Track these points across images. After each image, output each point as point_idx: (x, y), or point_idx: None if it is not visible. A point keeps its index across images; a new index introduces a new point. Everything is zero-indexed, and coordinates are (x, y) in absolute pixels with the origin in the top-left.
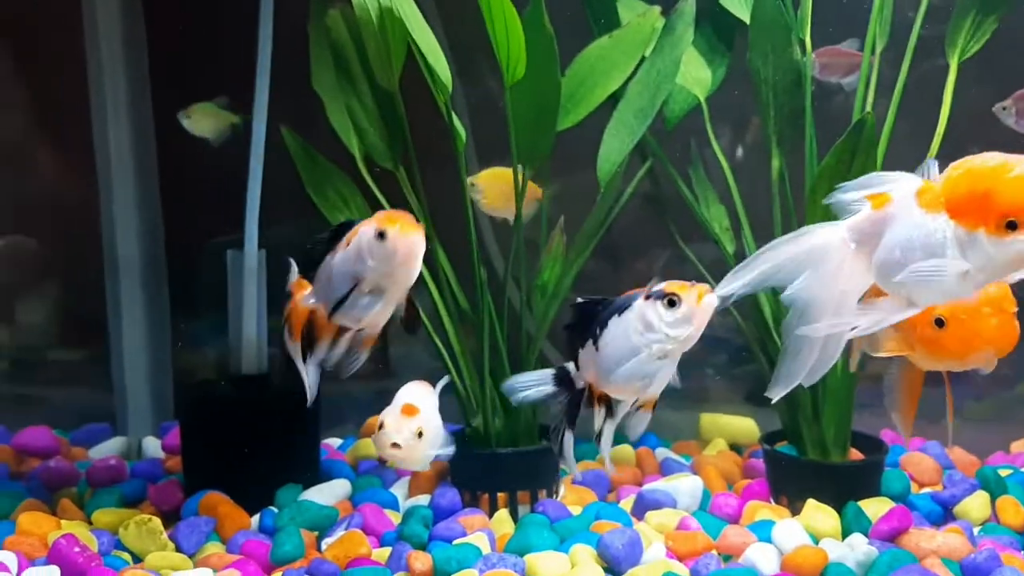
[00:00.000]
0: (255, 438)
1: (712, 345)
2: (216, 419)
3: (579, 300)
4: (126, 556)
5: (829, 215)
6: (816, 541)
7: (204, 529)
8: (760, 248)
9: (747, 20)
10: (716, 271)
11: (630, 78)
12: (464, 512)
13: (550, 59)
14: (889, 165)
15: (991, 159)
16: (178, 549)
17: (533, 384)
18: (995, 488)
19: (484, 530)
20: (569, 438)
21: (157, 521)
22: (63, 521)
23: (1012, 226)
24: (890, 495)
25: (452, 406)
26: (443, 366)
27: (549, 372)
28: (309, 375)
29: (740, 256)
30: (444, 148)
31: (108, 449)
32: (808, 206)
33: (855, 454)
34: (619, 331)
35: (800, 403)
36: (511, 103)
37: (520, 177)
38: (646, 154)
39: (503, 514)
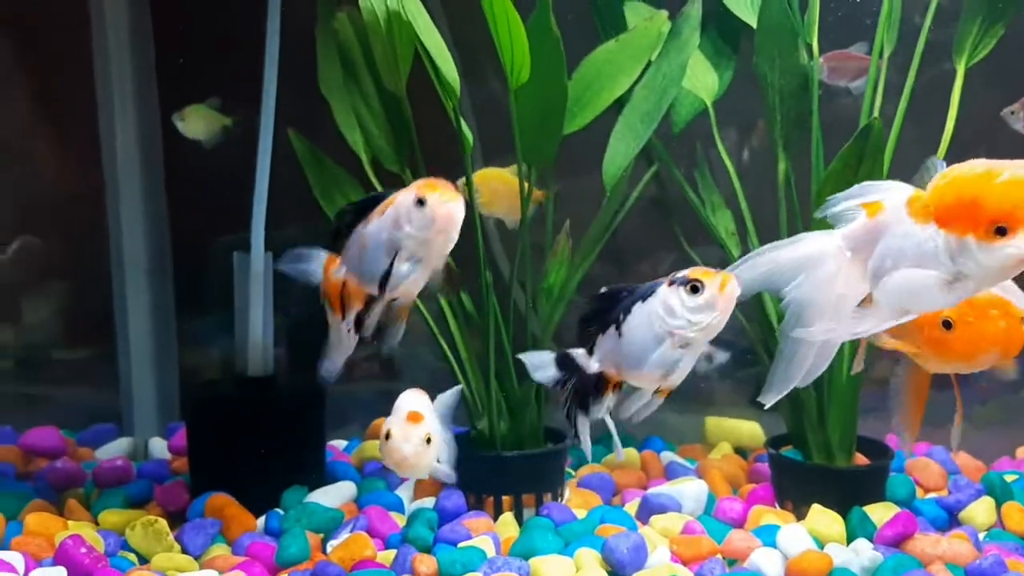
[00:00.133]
0: (261, 440)
1: (717, 347)
2: (222, 421)
3: (604, 289)
4: (132, 557)
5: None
6: (821, 546)
7: (210, 531)
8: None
9: (754, 24)
10: None
11: (636, 82)
12: (469, 515)
13: (556, 63)
14: (896, 169)
15: (977, 166)
16: (184, 550)
17: (537, 365)
18: (1000, 493)
19: (489, 533)
20: (584, 421)
21: (163, 522)
22: (70, 522)
23: (1001, 231)
24: (895, 500)
25: (457, 409)
26: (448, 368)
27: (551, 355)
28: (344, 343)
29: None
30: (451, 151)
31: (115, 450)
32: (814, 211)
33: (860, 459)
34: (643, 317)
35: (805, 407)
36: (516, 106)
37: (527, 182)
38: (652, 158)
39: (508, 517)
